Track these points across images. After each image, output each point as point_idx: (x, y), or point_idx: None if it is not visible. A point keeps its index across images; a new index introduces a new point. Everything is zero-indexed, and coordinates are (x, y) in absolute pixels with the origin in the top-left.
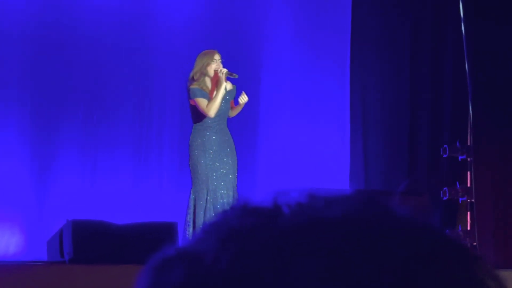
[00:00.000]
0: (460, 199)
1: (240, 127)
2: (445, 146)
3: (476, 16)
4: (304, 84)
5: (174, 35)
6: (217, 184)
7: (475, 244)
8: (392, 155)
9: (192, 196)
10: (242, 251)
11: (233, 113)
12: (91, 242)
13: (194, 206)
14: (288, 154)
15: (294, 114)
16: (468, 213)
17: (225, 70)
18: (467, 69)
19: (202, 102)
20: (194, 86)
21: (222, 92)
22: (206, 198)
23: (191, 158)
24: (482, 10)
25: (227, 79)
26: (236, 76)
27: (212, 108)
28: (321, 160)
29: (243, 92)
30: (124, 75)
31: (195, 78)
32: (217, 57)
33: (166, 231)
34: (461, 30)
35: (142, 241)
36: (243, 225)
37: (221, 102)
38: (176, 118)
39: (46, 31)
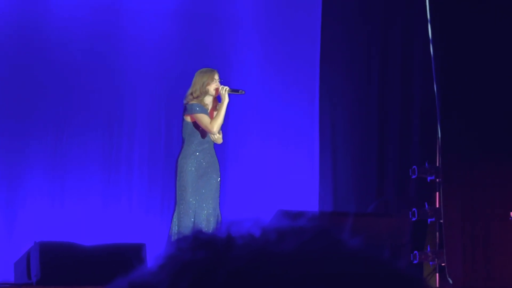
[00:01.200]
0: (429, 220)
1: None
2: (414, 167)
3: (444, 37)
4: (272, 106)
5: (143, 55)
6: (201, 205)
7: (444, 264)
8: (361, 176)
9: (175, 217)
10: (193, 287)
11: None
12: (58, 264)
13: (178, 227)
14: (256, 176)
15: (263, 135)
16: (437, 233)
17: (226, 88)
18: (435, 90)
19: (203, 117)
20: (193, 101)
21: (225, 107)
22: (192, 220)
23: (180, 179)
24: (451, 32)
25: (230, 96)
26: (243, 92)
27: (216, 124)
28: (290, 181)
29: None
30: (93, 94)
31: (194, 95)
32: (216, 77)
33: (134, 252)
34: (430, 52)
35: (110, 263)
36: (196, 259)
37: (224, 119)
38: (145, 138)
39: (14, 50)
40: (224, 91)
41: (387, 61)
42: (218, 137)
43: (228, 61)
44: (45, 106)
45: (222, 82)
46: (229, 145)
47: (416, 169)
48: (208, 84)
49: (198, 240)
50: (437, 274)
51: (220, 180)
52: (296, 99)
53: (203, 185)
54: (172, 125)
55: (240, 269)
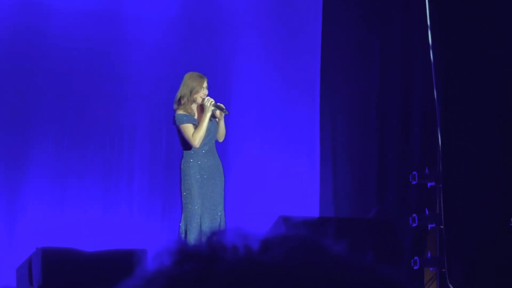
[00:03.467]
0: (429, 226)
1: None
2: (414, 173)
3: (444, 43)
4: (272, 111)
5: (144, 61)
6: (206, 210)
7: (444, 270)
8: (361, 182)
9: (182, 222)
10: None
11: (220, 136)
12: (60, 270)
13: (185, 232)
14: (257, 181)
15: (263, 140)
16: (437, 239)
17: (212, 101)
18: (435, 95)
19: (187, 129)
20: (179, 111)
21: (206, 121)
22: (199, 224)
23: (184, 184)
24: (450, 37)
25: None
26: (227, 112)
27: (198, 138)
28: (291, 187)
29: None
30: (94, 100)
31: (182, 102)
32: (205, 84)
33: (136, 258)
34: (429, 57)
35: (111, 269)
36: (182, 274)
37: (207, 130)
38: (146, 145)
39: (15, 56)
40: (209, 103)
41: (387, 66)
42: (220, 135)
43: (228, 66)
44: (46, 112)
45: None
46: (229, 150)
47: (416, 175)
48: (197, 92)
49: (183, 254)
50: (438, 280)
51: (224, 181)
52: (296, 104)
53: (209, 188)
54: (173, 131)
55: (226, 282)
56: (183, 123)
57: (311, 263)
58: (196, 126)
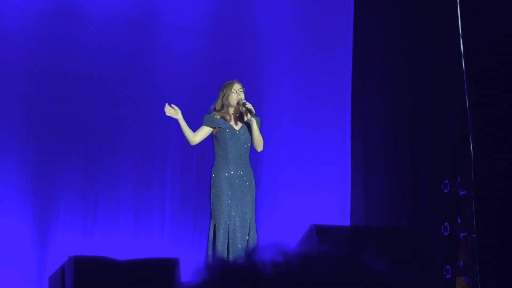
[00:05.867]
0: (461, 234)
1: None
2: (446, 181)
3: (477, 51)
4: (304, 119)
5: (175, 69)
6: (235, 218)
7: (476, 279)
8: (393, 190)
9: (211, 230)
10: None
11: (256, 143)
12: (92, 278)
13: (214, 239)
14: (289, 191)
15: (295, 149)
16: (470, 248)
17: (244, 101)
18: (467, 104)
19: (202, 128)
20: (213, 113)
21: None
22: (227, 232)
23: (214, 190)
24: (482, 45)
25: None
26: (253, 114)
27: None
28: (322, 195)
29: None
30: (126, 109)
31: (216, 108)
32: (236, 86)
33: (167, 267)
34: (462, 65)
35: (144, 277)
36: None
37: (237, 136)
38: (178, 153)
39: (45, 66)
40: (241, 104)
41: (419, 75)
42: (256, 142)
43: (258, 74)
44: (77, 121)
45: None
46: (263, 158)
47: (448, 183)
48: (229, 95)
49: (224, 271)
50: None
51: (255, 190)
52: (328, 112)
53: (238, 196)
54: (205, 139)
55: None
56: (205, 124)
57: (353, 281)
58: (221, 128)
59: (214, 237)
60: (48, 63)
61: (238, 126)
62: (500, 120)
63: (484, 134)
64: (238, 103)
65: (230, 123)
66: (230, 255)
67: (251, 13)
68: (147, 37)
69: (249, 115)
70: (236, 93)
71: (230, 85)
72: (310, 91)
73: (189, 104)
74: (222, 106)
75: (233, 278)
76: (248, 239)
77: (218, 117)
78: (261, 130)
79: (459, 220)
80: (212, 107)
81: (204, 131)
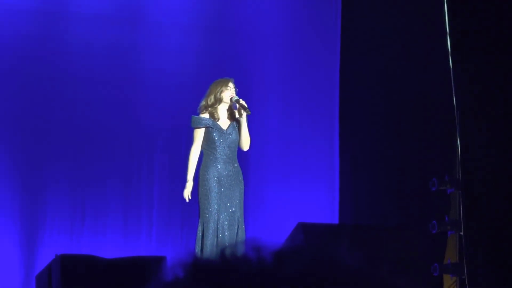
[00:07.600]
0: (449, 232)
1: None
2: (433, 179)
3: (463, 48)
4: (293, 118)
5: (163, 68)
6: (223, 217)
7: (464, 277)
8: (380, 189)
9: (199, 229)
10: None
11: (242, 142)
12: (79, 277)
13: (202, 238)
14: (277, 189)
15: (283, 147)
16: (457, 246)
17: (237, 98)
18: (454, 102)
19: (196, 134)
20: (202, 113)
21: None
22: (216, 231)
23: (202, 188)
24: (469, 44)
25: (234, 106)
26: (249, 112)
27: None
28: (310, 193)
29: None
30: (114, 108)
31: (208, 103)
32: (231, 84)
33: (155, 265)
34: (449, 64)
35: (131, 275)
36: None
37: (226, 135)
38: (166, 152)
39: (31, 66)
40: (235, 100)
41: (406, 74)
42: (243, 141)
43: (247, 72)
44: (66, 121)
45: (238, 94)
46: (251, 157)
47: (436, 181)
48: (223, 91)
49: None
50: (457, 287)
51: (243, 189)
52: (316, 110)
53: (227, 195)
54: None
55: None
56: (194, 126)
57: (325, 277)
58: (209, 128)
59: (203, 236)
60: (34, 63)
61: (225, 125)
62: (486, 118)
63: (471, 131)
64: (231, 99)
65: (218, 122)
66: None
67: (239, 12)
68: (134, 36)
69: (243, 112)
70: (230, 90)
71: (225, 82)
72: (298, 89)
73: (177, 103)
74: (215, 101)
75: (204, 274)
76: (236, 237)
77: (205, 116)
78: (248, 128)
79: (446, 218)
80: (202, 103)
81: (200, 135)
